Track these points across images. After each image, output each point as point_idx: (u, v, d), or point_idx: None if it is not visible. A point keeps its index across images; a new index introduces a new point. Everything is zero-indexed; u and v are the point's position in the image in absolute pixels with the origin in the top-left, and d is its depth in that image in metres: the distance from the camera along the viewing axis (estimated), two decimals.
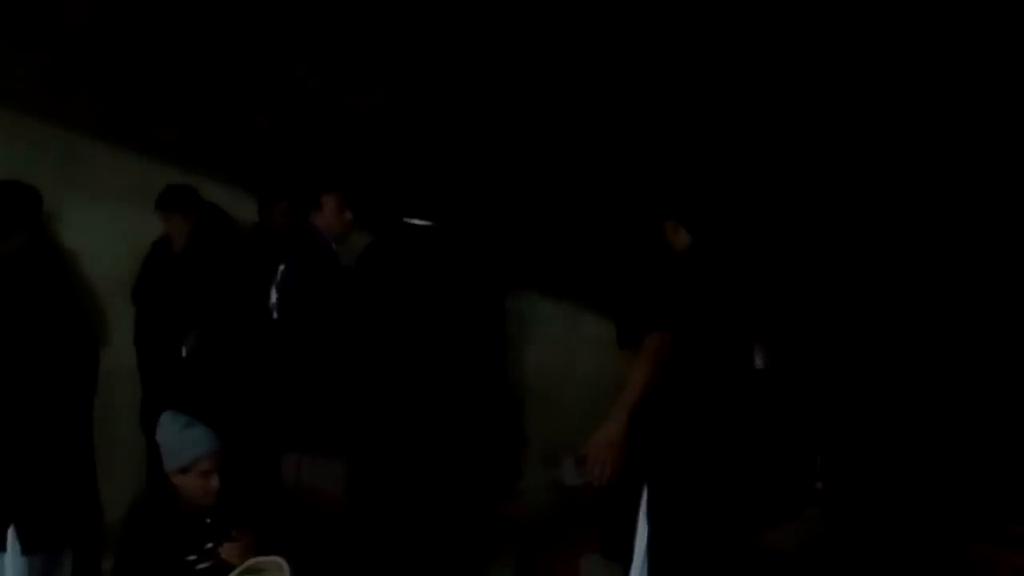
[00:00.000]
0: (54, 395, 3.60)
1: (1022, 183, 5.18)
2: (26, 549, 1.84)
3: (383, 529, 4.01)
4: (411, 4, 5.27)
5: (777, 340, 4.30)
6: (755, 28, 5.43)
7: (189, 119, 5.06)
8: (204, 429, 3.57)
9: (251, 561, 3.40)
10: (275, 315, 3.96)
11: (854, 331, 5.10)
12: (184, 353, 4.61)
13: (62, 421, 3.66)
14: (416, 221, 3.93)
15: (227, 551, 3.46)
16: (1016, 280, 5.18)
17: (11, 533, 1.80)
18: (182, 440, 3.54)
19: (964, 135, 5.25)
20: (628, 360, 3.53)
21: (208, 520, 3.56)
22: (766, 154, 5.41)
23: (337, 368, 3.89)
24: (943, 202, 5.24)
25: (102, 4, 4.94)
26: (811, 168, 5.40)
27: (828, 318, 5.06)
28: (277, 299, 3.95)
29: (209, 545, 3.53)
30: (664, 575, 3.43)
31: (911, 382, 5.11)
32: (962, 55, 5.21)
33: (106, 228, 5.00)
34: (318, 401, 3.90)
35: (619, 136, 5.58)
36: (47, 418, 3.57)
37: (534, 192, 5.53)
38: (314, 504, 3.92)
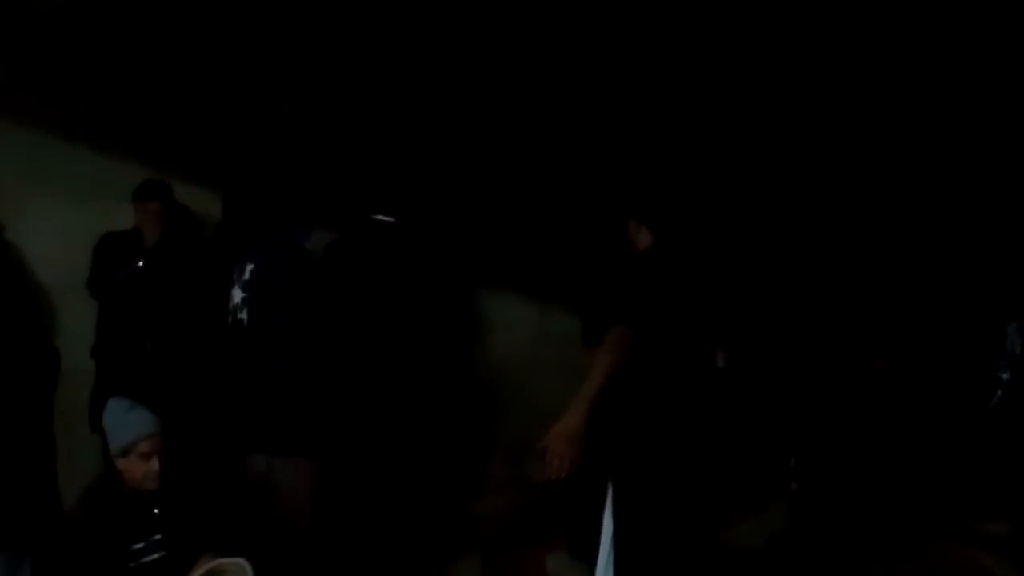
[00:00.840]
0: (12, 395, 3.56)
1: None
2: None
3: (349, 530, 3.99)
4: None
5: (741, 340, 4.29)
6: (721, 27, 5.44)
7: (149, 117, 5.01)
8: (144, 412, 3.59)
9: (214, 563, 3.38)
10: (241, 314, 3.89)
11: (819, 330, 5.12)
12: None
13: (21, 422, 3.60)
14: (382, 217, 3.90)
15: None
16: (982, 272, 5.22)
17: None
18: (122, 423, 3.56)
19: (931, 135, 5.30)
20: (588, 357, 3.52)
21: (156, 511, 3.55)
22: (730, 153, 5.43)
23: (307, 367, 3.84)
24: (908, 195, 5.28)
25: (62, 3, 4.89)
26: (774, 166, 5.42)
27: (794, 318, 5.08)
28: (245, 298, 3.88)
29: (157, 536, 3.51)
30: (629, 572, 3.47)
31: (878, 381, 5.14)
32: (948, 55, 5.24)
33: (63, 227, 4.92)
34: (286, 402, 3.85)
35: (585, 134, 5.58)
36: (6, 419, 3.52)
37: (500, 188, 5.53)
38: (282, 505, 3.88)
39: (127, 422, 3.57)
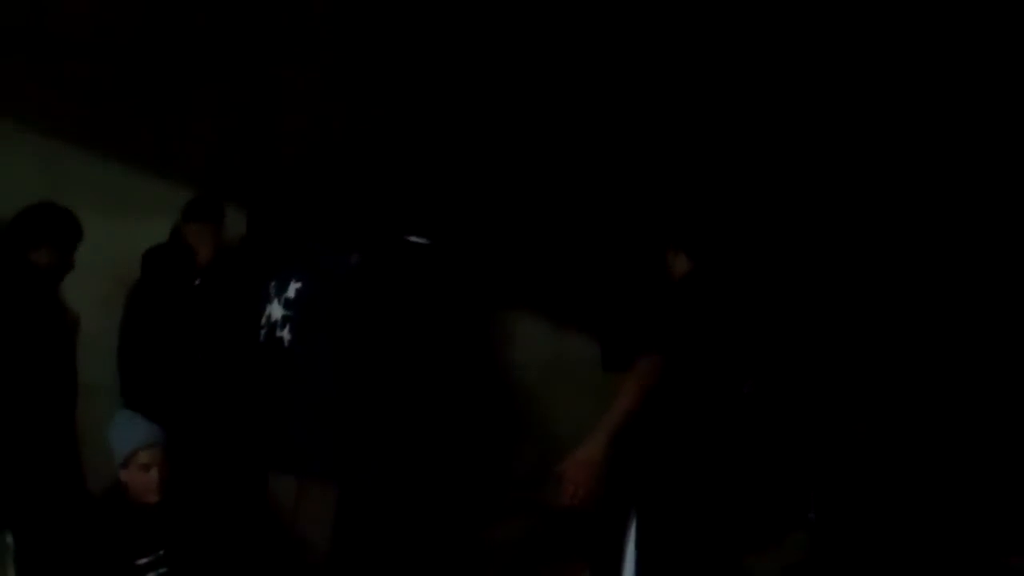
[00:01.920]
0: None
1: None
2: None
3: (371, 554, 3.96)
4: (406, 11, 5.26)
5: (768, 368, 4.26)
6: (758, 55, 5.45)
7: (171, 129, 5.02)
8: (145, 423, 3.62)
9: None
10: (281, 332, 3.87)
11: (848, 362, 5.10)
12: None
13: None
14: (415, 239, 3.90)
15: None
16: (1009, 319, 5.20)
17: None
18: (123, 433, 3.62)
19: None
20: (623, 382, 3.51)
21: (162, 526, 3.54)
22: (768, 182, 5.42)
23: (353, 390, 3.83)
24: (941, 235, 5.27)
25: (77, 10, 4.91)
26: (811, 196, 5.41)
27: (822, 348, 5.05)
28: (287, 316, 3.86)
29: (162, 552, 3.51)
30: None
31: (905, 414, 5.11)
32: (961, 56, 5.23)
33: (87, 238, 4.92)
34: (328, 423, 3.84)
35: (623, 160, 5.58)
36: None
37: (528, 210, 5.53)
38: (308, 528, 3.88)
39: (127, 433, 3.61)
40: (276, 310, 3.89)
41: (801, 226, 5.38)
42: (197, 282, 4.65)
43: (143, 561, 3.50)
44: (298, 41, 5.21)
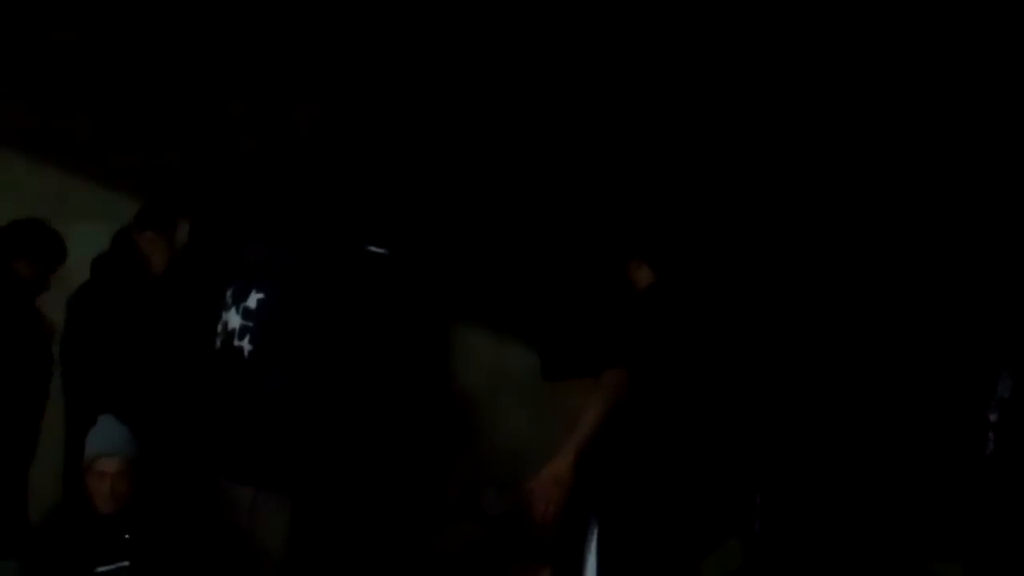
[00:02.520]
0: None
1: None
2: None
3: (325, 563, 3.96)
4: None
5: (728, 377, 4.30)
6: (726, 63, 5.53)
7: (110, 136, 4.96)
8: (114, 431, 3.60)
9: None
10: (240, 342, 3.83)
11: (794, 370, 5.18)
12: None
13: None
14: (375, 249, 3.90)
15: None
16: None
17: None
18: (91, 439, 3.61)
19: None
20: (584, 394, 3.54)
21: (127, 536, 3.50)
22: (734, 193, 5.49)
23: (312, 400, 3.82)
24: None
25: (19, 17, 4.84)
26: (779, 208, 5.48)
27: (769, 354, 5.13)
28: (247, 327, 3.81)
29: (125, 563, 3.47)
30: None
31: (845, 423, 5.20)
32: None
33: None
34: (287, 435, 3.82)
35: (586, 170, 5.63)
36: None
37: (474, 221, 5.56)
38: (264, 539, 3.87)
39: (93, 438, 3.57)
40: (234, 319, 3.83)
41: (764, 239, 5.45)
42: (149, 290, 4.58)
43: (104, 569, 3.45)
44: (245, 54, 5.18)
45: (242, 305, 3.83)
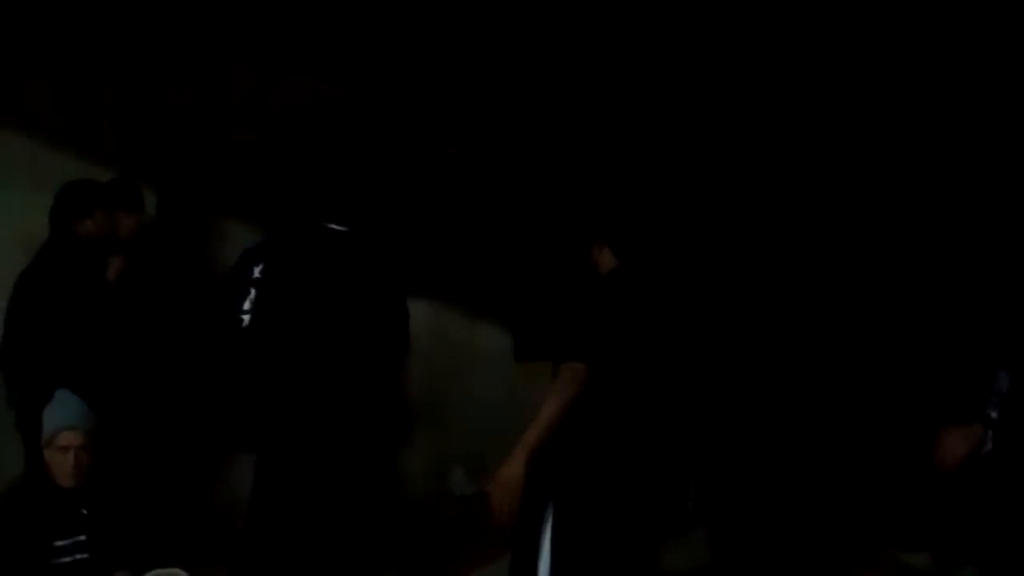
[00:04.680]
0: None
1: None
2: None
3: (283, 531, 3.97)
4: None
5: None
6: (690, 46, 5.50)
7: (82, 108, 4.92)
8: (72, 404, 3.59)
9: (151, 573, 3.36)
10: (244, 316, 3.84)
11: (736, 347, 5.18)
12: None
13: None
14: (334, 226, 3.88)
15: None
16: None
17: None
18: (50, 413, 3.56)
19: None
20: (529, 372, 3.57)
21: (85, 511, 3.50)
22: (701, 176, 5.47)
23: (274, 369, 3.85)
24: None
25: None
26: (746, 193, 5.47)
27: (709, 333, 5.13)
28: (251, 300, 3.84)
29: (82, 537, 3.47)
30: None
31: (792, 406, 5.21)
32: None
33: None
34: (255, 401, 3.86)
35: (552, 152, 5.62)
36: None
37: (446, 201, 5.55)
38: None
39: (52, 413, 3.56)
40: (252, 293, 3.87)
41: (729, 228, 5.44)
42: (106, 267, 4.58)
43: (61, 543, 3.45)
44: (216, 32, 5.14)
45: (251, 279, 3.84)
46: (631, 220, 3.96)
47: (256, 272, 3.87)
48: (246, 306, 3.85)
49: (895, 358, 5.31)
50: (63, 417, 3.55)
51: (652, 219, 4.31)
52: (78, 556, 3.47)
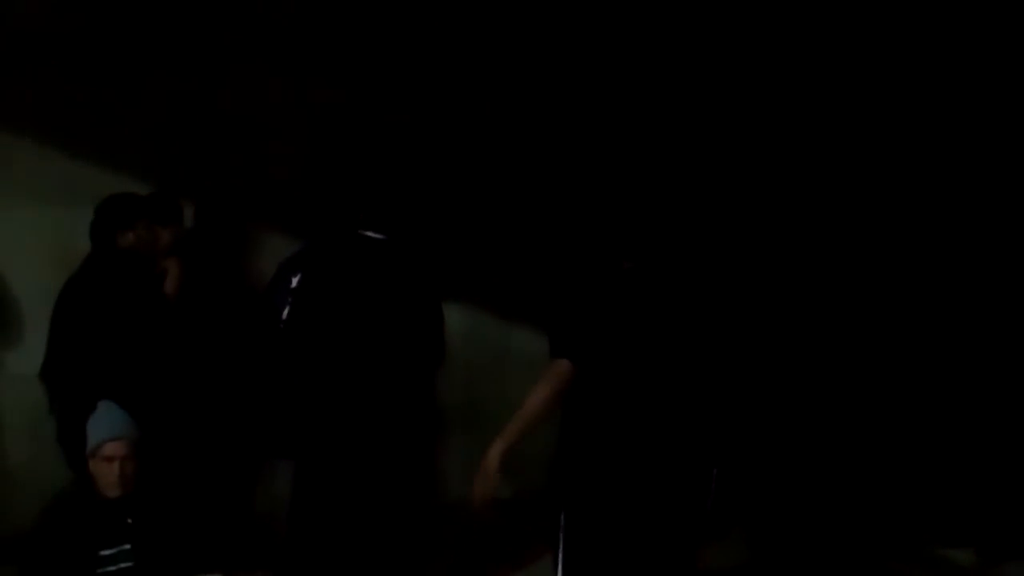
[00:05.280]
0: None
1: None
2: None
3: (323, 536, 3.99)
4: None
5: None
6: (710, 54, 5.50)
7: (121, 119, 4.98)
8: (116, 415, 3.64)
9: None
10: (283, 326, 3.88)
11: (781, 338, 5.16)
12: None
13: None
14: (371, 234, 3.91)
15: None
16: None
17: None
18: (94, 424, 3.63)
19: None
20: None
21: (129, 519, 3.53)
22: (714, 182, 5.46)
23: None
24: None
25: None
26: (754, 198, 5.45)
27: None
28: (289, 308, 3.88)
29: (127, 546, 3.51)
30: None
31: (829, 398, 5.17)
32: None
33: (29, 231, 4.89)
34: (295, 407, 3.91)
35: (573, 157, 5.62)
36: None
37: (476, 203, 5.57)
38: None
39: (97, 424, 3.62)
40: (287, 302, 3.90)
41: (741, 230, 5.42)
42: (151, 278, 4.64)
43: (106, 553, 3.49)
44: (249, 40, 5.19)
45: (289, 288, 3.87)
46: (647, 223, 3.94)
47: (294, 282, 3.91)
48: (284, 315, 3.89)
49: (931, 350, 5.28)
50: (108, 428, 3.61)
51: (669, 218, 4.26)
52: (123, 565, 3.53)
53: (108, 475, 3.56)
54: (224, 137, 5.17)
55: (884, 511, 4.98)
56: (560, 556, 3.58)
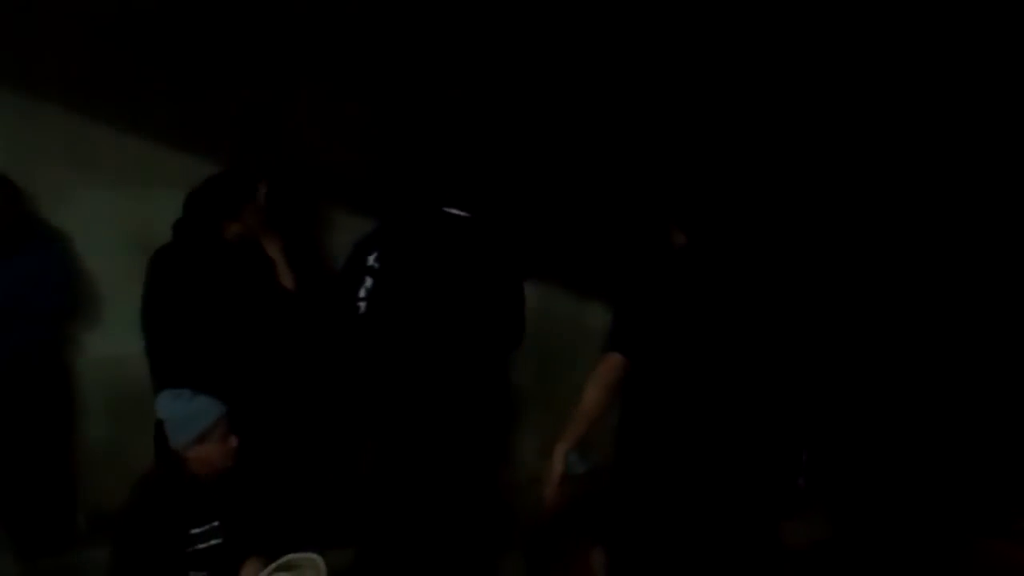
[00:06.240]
0: None
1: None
2: None
3: (404, 513, 4.02)
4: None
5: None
6: (755, 29, 5.45)
7: (195, 103, 5.00)
8: (205, 396, 3.61)
9: (286, 558, 3.41)
10: (361, 303, 3.89)
11: (846, 322, 5.09)
12: None
13: None
14: (454, 211, 3.90)
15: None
16: (1010, 278, 5.20)
17: None
18: (194, 410, 3.61)
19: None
20: None
21: (219, 497, 3.60)
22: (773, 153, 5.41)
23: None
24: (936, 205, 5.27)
25: None
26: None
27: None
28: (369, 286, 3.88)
29: (215, 523, 3.53)
30: None
31: (908, 375, 5.11)
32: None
33: (106, 213, 4.92)
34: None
35: (625, 131, 5.58)
36: None
37: (547, 184, 5.55)
38: None
39: (200, 409, 3.60)
40: (367, 283, 3.90)
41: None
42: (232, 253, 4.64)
43: (197, 531, 3.53)
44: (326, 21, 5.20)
45: (366, 266, 3.88)
46: (704, 196, 3.87)
47: (371, 260, 3.91)
48: (362, 294, 3.89)
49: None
50: (215, 408, 3.62)
51: (727, 196, 4.17)
52: (212, 542, 3.56)
53: (225, 451, 3.60)
54: (297, 119, 5.19)
55: (973, 484, 4.91)
56: (615, 546, 3.56)
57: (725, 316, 3.53)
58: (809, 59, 5.46)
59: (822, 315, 4.86)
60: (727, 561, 3.60)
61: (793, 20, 5.44)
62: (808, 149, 5.49)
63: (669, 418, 3.52)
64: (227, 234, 4.55)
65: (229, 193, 4.53)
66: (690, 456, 3.52)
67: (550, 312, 5.68)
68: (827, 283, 5.00)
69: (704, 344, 3.50)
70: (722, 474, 3.55)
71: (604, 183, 5.76)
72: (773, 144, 5.51)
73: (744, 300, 3.57)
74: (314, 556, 3.41)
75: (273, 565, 3.42)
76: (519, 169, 5.51)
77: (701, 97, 5.66)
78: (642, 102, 5.71)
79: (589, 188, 5.76)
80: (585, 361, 5.81)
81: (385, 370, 3.96)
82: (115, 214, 4.91)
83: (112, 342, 4.89)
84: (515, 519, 4.90)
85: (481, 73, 5.46)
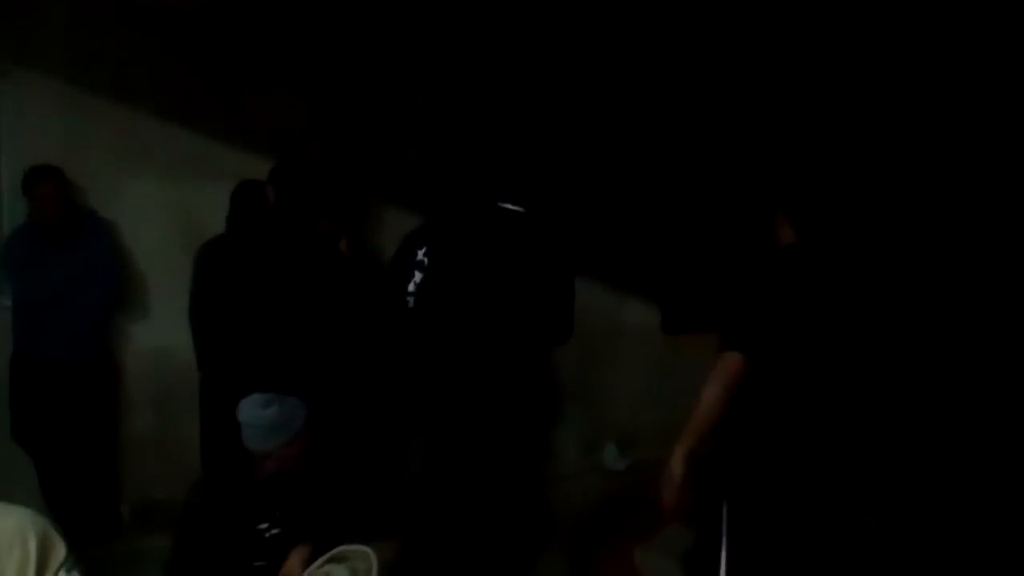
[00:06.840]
0: None
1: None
2: None
3: (448, 506, 4.03)
4: None
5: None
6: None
7: (242, 99, 5.05)
8: (294, 399, 3.63)
9: (337, 549, 3.44)
10: (410, 299, 3.91)
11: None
12: None
13: None
14: (510, 207, 3.90)
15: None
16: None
17: None
18: (288, 415, 3.59)
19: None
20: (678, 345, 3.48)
21: (285, 494, 3.61)
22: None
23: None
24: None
25: None
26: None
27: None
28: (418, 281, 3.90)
29: (277, 513, 3.58)
30: None
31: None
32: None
33: (155, 206, 4.98)
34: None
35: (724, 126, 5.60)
36: None
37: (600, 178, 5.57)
38: None
39: (292, 414, 3.60)
40: (416, 277, 3.92)
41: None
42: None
43: (264, 526, 3.56)
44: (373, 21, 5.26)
45: (415, 261, 3.89)
46: (816, 193, 3.74)
47: (420, 255, 3.92)
48: (411, 288, 3.90)
49: None
50: (301, 415, 3.62)
51: (839, 193, 4.10)
52: (274, 531, 3.58)
53: (300, 453, 3.61)
54: (346, 114, 5.22)
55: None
56: (724, 544, 3.54)
57: (842, 314, 3.48)
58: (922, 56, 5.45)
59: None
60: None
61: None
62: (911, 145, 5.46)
63: (784, 415, 3.49)
64: (320, 228, 4.61)
65: (328, 190, 4.60)
66: (803, 452, 3.49)
67: (589, 307, 5.68)
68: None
69: (822, 342, 3.45)
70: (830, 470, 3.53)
71: (704, 180, 5.78)
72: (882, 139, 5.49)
73: (860, 299, 3.54)
74: (365, 548, 3.42)
75: (325, 556, 3.44)
76: (570, 165, 5.53)
77: (807, 91, 5.68)
78: (749, 97, 5.75)
79: (685, 184, 5.79)
80: (623, 357, 5.93)
81: (433, 364, 3.97)
82: (164, 207, 4.97)
83: (158, 334, 4.94)
84: (554, 513, 4.92)
85: (545, 69, 5.51)
